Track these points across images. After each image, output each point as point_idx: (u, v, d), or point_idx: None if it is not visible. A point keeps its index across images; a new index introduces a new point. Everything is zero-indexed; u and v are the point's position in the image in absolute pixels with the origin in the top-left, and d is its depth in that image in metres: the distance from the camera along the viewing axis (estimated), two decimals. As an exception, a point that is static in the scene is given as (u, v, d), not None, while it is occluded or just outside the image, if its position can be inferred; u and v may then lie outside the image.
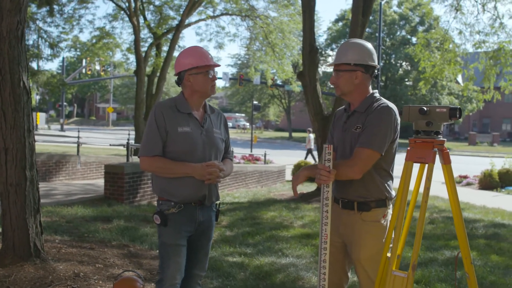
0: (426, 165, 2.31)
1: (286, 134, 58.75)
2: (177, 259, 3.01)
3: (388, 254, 2.54)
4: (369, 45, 2.97)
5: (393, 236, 2.54)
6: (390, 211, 2.92)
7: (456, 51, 15.36)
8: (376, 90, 3.03)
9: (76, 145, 16.13)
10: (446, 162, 2.34)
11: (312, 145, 27.02)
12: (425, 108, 2.30)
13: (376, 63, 2.93)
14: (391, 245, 2.61)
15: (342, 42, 3.04)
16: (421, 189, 2.56)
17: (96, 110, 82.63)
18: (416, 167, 2.49)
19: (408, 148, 2.41)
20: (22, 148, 4.51)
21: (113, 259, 5.13)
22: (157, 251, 5.70)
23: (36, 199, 4.66)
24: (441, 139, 2.33)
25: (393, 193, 2.93)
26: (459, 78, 48.52)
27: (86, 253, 5.17)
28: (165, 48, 22.62)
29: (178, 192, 3.02)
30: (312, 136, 28.44)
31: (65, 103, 52.54)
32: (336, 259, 3.06)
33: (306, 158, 25.79)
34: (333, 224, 2.91)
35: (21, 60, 4.50)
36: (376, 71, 2.97)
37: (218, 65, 3.11)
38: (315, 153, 25.32)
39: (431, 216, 9.57)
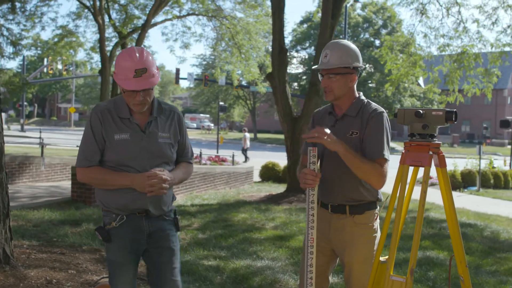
0: (422, 168, 2.30)
1: (251, 135, 58.77)
2: (125, 277, 2.76)
3: (381, 258, 2.52)
4: (354, 46, 2.92)
5: (385, 239, 2.51)
6: (378, 214, 2.91)
7: (421, 54, 15.63)
8: (361, 93, 2.99)
9: (38, 146, 15.71)
10: (441, 165, 2.33)
11: (248, 145, 27.58)
12: (421, 111, 2.29)
13: (363, 65, 2.90)
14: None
15: (327, 43, 2.93)
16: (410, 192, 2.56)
17: (57, 110, 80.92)
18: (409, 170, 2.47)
19: (403, 152, 2.39)
20: (-10, 150, 4.32)
21: (86, 264, 4.98)
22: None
23: (5, 203, 4.48)
24: (437, 142, 2.32)
25: (381, 195, 2.92)
26: (421, 81, 49.56)
27: (57, 259, 5.00)
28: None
29: (117, 203, 2.76)
30: (248, 135, 28.78)
31: (25, 103, 51.27)
32: (320, 263, 3.01)
33: (246, 159, 26.10)
34: (322, 230, 2.86)
35: (-10, 58, 4.32)
36: (361, 73, 2.93)
37: (145, 89, 2.66)
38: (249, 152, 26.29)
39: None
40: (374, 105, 2.88)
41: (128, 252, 2.77)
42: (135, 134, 2.78)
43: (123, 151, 2.74)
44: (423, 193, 2.18)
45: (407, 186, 2.37)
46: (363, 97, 2.94)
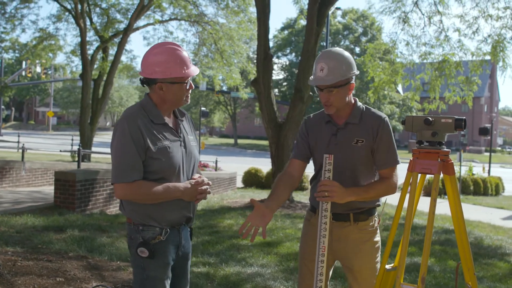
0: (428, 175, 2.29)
1: (231, 141, 58.74)
2: None
3: (387, 266, 2.50)
4: (347, 53, 2.86)
5: (394, 247, 2.50)
6: (377, 217, 2.92)
7: (403, 62, 15.79)
8: (356, 98, 2.96)
9: (16, 150, 15.45)
10: (450, 173, 2.32)
11: None
12: (430, 119, 2.28)
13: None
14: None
15: (320, 54, 2.84)
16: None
17: (35, 114, 79.81)
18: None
19: (411, 159, 2.38)
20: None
21: (74, 271, 4.87)
22: (118, 262, 5.48)
23: (-8, 209, 4.36)
24: (446, 149, 2.31)
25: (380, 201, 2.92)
26: (399, 88, 50.08)
27: (44, 266, 4.89)
28: (112, 51, 22.13)
29: (164, 216, 2.58)
30: None
31: (2, 107, 50.45)
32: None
33: None
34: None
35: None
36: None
37: (196, 74, 2.65)
38: None
39: (384, 223, 9.73)
40: (375, 111, 2.88)
41: (170, 267, 2.65)
42: (174, 139, 2.64)
43: (167, 159, 2.56)
44: (433, 201, 2.17)
45: (415, 193, 2.36)
46: (359, 103, 2.91)
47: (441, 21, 15.21)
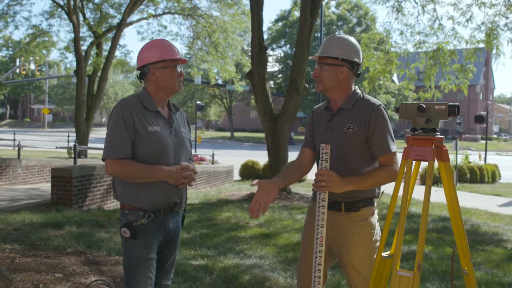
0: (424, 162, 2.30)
1: (227, 134, 58.77)
2: (148, 274, 2.76)
3: (383, 254, 2.51)
4: (355, 41, 2.90)
5: (391, 235, 2.51)
6: (376, 210, 2.90)
7: (397, 51, 15.78)
8: (357, 87, 2.98)
9: (12, 148, 15.43)
10: (445, 160, 2.33)
11: None
12: (424, 105, 2.28)
13: (361, 60, 2.88)
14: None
15: (328, 37, 2.92)
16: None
17: (30, 112, 79.58)
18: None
19: (405, 146, 2.38)
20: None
21: (72, 267, 4.88)
22: (116, 256, 5.49)
23: (-11, 206, 4.36)
24: (440, 136, 2.32)
25: (378, 191, 2.91)
26: (395, 77, 50.09)
27: (42, 262, 4.90)
28: (105, 47, 22.06)
29: (149, 199, 2.76)
30: None
31: (-3, 105, 50.30)
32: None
33: None
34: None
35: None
36: (359, 69, 2.91)
37: (186, 61, 2.91)
38: None
39: (381, 212, 9.75)
40: (370, 98, 2.87)
41: (152, 248, 2.79)
42: (165, 127, 2.84)
43: (156, 143, 2.76)
44: (428, 188, 2.17)
45: (410, 181, 2.36)
46: (358, 91, 2.93)
47: (434, 10, 15.20)
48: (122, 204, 2.82)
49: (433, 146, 2.28)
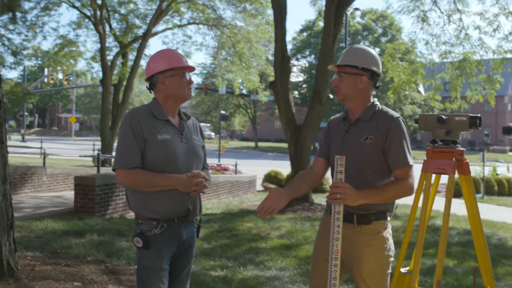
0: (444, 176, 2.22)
1: (251, 144, 58.75)
2: (160, 285, 2.74)
3: (402, 269, 2.43)
4: (375, 52, 2.87)
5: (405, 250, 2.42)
6: (389, 223, 2.82)
7: (423, 62, 15.60)
8: (376, 99, 2.94)
9: (39, 156, 15.64)
10: (466, 173, 2.25)
11: None
12: (444, 117, 2.21)
13: (381, 71, 2.84)
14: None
15: (348, 47, 2.90)
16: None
17: (58, 120, 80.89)
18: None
19: (425, 159, 2.31)
20: (-5, 161, 4.25)
21: (91, 276, 4.88)
22: (135, 266, 5.48)
23: (9, 214, 4.40)
24: (461, 148, 2.24)
25: (392, 204, 2.83)
26: (421, 88, 49.57)
27: (62, 270, 4.91)
28: (131, 57, 22.29)
29: (160, 208, 2.74)
30: None
31: (26, 113, 51.24)
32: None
33: None
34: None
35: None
36: (379, 80, 2.87)
37: (194, 69, 2.91)
38: None
39: (404, 224, 9.58)
40: (389, 110, 2.82)
41: (165, 259, 2.77)
42: (175, 135, 2.84)
43: (166, 151, 2.76)
44: (448, 202, 2.09)
45: (429, 194, 2.28)
46: (377, 103, 2.89)
47: (460, 19, 15.01)
48: (136, 214, 2.82)
49: (454, 159, 2.20)
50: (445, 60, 15.40)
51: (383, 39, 51.58)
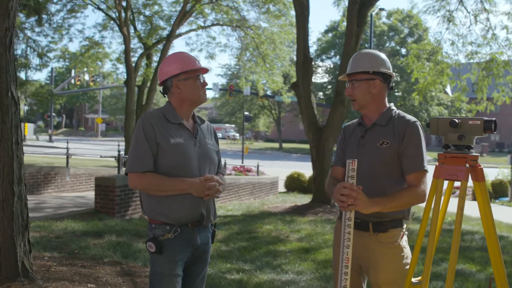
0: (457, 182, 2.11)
1: (276, 145, 58.61)
2: None
3: (413, 279, 2.33)
4: (382, 54, 2.81)
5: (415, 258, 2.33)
6: (405, 231, 2.74)
7: (448, 62, 15.33)
8: (392, 103, 2.86)
9: (65, 156, 15.79)
10: (480, 179, 2.13)
11: None
12: (456, 120, 2.10)
13: (391, 71, 2.75)
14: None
15: (354, 55, 2.83)
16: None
17: (85, 121, 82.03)
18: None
19: (437, 164, 2.21)
20: (9, 162, 4.26)
21: (106, 278, 4.88)
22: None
23: (24, 215, 4.40)
24: (474, 154, 2.13)
25: (409, 212, 2.75)
26: (448, 89, 48.79)
27: (77, 272, 4.91)
28: (155, 58, 22.43)
29: (173, 212, 2.70)
30: None
31: (53, 114, 52.03)
32: (352, 281, 2.84)
33: None
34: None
35: (9, 69, 4.27)
36: (392, 82, 2.78)
37: (207, 70, 2.86)
38: None
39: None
40: (406, 115, 2.75)
41: (178, 265, 2.73)
42: (188, 138, 2.80)
43: (179, 155, 2.72)
44: (460, 210, 1.99)
45: (441, 203, 2.18)
46: (393, 107, 2.83)
47: (487, 19, 14.76)
48: (149, 218, 2.78)
49: (467, 165, 2.09)
50: (471, 60, 15.11)
51: (410, 40, 50.93)
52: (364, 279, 2.93)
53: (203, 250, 2.85)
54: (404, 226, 2.74)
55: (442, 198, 2.29)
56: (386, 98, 2.83)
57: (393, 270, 2.63)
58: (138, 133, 2.74)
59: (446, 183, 2.24)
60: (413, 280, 2.33)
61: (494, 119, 2.08)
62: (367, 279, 2.95)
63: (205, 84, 2.86)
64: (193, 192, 2.70)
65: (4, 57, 4.24)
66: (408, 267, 2.62)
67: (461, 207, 1.99)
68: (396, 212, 2.66)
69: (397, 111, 2.80)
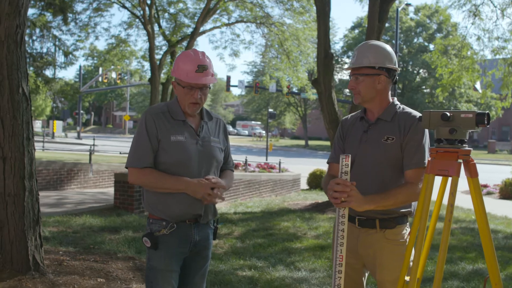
0: (450, 178, 2.04)
1: (302, 142, 58.41)
2: (167, 285, 2.69)
3: (406, 278, 2.28)
4: (388, 47, 2.72)
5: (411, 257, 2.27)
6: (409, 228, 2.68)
7: (474, 58, 15.03)
8: (395, 98, 2.79)
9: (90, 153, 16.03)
10: (472, 175, 2.06)
11: None
12: (448, 114, 2.03)
13: (397, 66, 2.68)
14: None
15: (359, 45, 2.75)
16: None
17: (113, 118, 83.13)
18: (437, 179, 2.23)
19: (429, 159, 2.14)
20: (21, 157, 4.33)
21: (117, 272, 4.92)
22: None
23: (35, 210, 4.47)
24: (467, 148, 2.06)
25: (415, 208, 2.69)
26: (478, 85, 47.90)
27: (89, 266, 4.96)
28: (179, 56, 22.55)
29: (170, 210, 2.70)
30: None
31: (82, 111, 52.85)
32: (354, 281, 2.80)
33: None
34: (350, 245, 2.60)
35: (20, 65, 4.33)
36: (396, 75, 2.71)
37: (206, 85, 2.73)
38: None
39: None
40: (412, 111, 2.69)
41: (174, 260, 2.73)
42: (190, 136, 2.77)
43: (179, 152, 2.71)
44: (450, 207, 1.92)
45: (432, 199, 2.11)
46: (397, 102, 2.76)
47: (515, 13, 14.35)
48: (148, 213, 2.81)
49: (459, 160, 2.02)
50: (497, 56, 14.79)
51: (438, 36, 50.12)
52: (365, 278, 2.88)
53: (202, 246, 2.83)
54: (408, 223, 2.69)
55: (442, 195, 2.23)
56: (390, 92, 2.77)
57: (399, 267, 2.56)
58: (140, 128, 2.74)
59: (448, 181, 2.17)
60: (406, 278, 2.27)
61: (487, 112, 2.01)
62: (367, 277, 2.90)
63: (196, 102, 2.75)
64: (190, 192, 2.68)
65: (15, 53, 4.29)
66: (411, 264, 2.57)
67: (451, 203, 1.93)
68: (402, 208, 2.61)
69: (401, 106, 2.75)
